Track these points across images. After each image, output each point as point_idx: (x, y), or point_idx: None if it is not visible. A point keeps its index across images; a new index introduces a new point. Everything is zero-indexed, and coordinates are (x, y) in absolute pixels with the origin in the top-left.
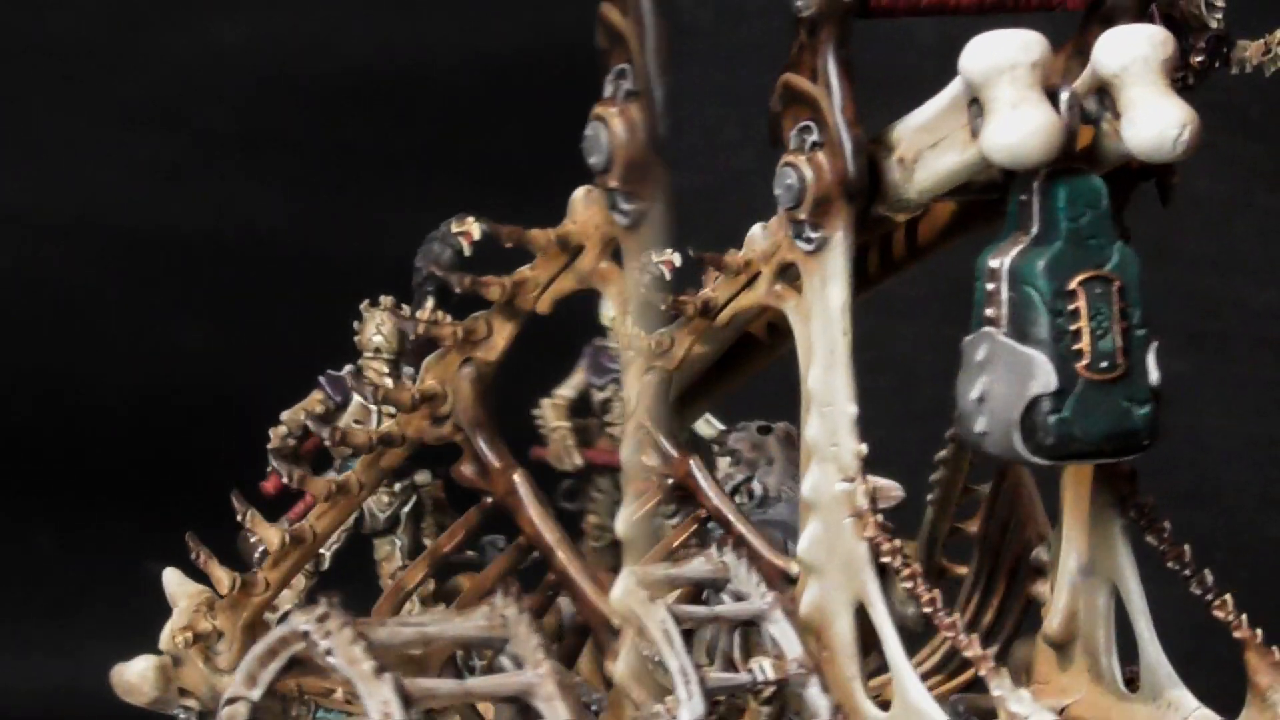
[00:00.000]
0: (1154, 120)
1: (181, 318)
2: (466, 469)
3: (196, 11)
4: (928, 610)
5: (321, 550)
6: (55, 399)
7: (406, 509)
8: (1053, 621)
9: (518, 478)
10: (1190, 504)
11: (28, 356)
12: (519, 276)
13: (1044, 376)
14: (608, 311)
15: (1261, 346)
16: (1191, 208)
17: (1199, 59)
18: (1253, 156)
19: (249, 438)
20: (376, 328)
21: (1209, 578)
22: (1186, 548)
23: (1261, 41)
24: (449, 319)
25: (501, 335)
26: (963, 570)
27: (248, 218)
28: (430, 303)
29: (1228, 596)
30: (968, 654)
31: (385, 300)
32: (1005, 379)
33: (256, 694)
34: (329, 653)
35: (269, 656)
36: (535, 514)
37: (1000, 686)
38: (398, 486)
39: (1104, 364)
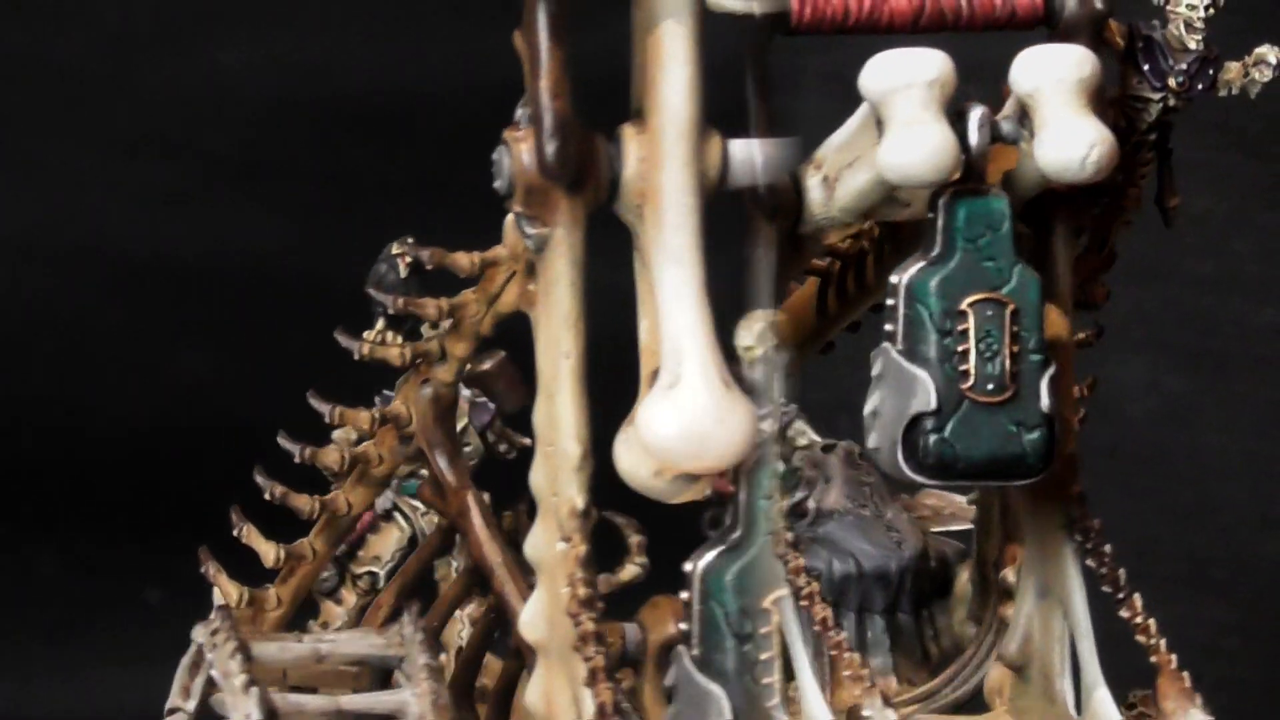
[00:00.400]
0: (1063, 139)
1: (183, 343)
2: (427, 489)
3: (198, 38)
4: (817, 628)
5: (375, 570)
6: (56, 424)
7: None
8: (1010, 644)
9: (470, 498)
10: (1189, 522)
11: (29, 382)
12: (460, 299)
13: (924, 395)
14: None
15: (1261, 365)
16: (1190, 226)
17: (1177, 80)
18: (1251, 175)
19: (250, 463)
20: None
21: (1139, 603)
22: (1122, 572)
23: (1240, 64)
24: (398, 340)
25: (455, 356)
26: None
27: (249, 243)
28: (380, 324)
29: (1152, 621)
30: (847, 673)
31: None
32: (893, 396)
33: (192, 705)
34: (211, 665)
35: (195, 669)
36: (483, 536)
37: (870, 707)
38: None
39: (990, 386)
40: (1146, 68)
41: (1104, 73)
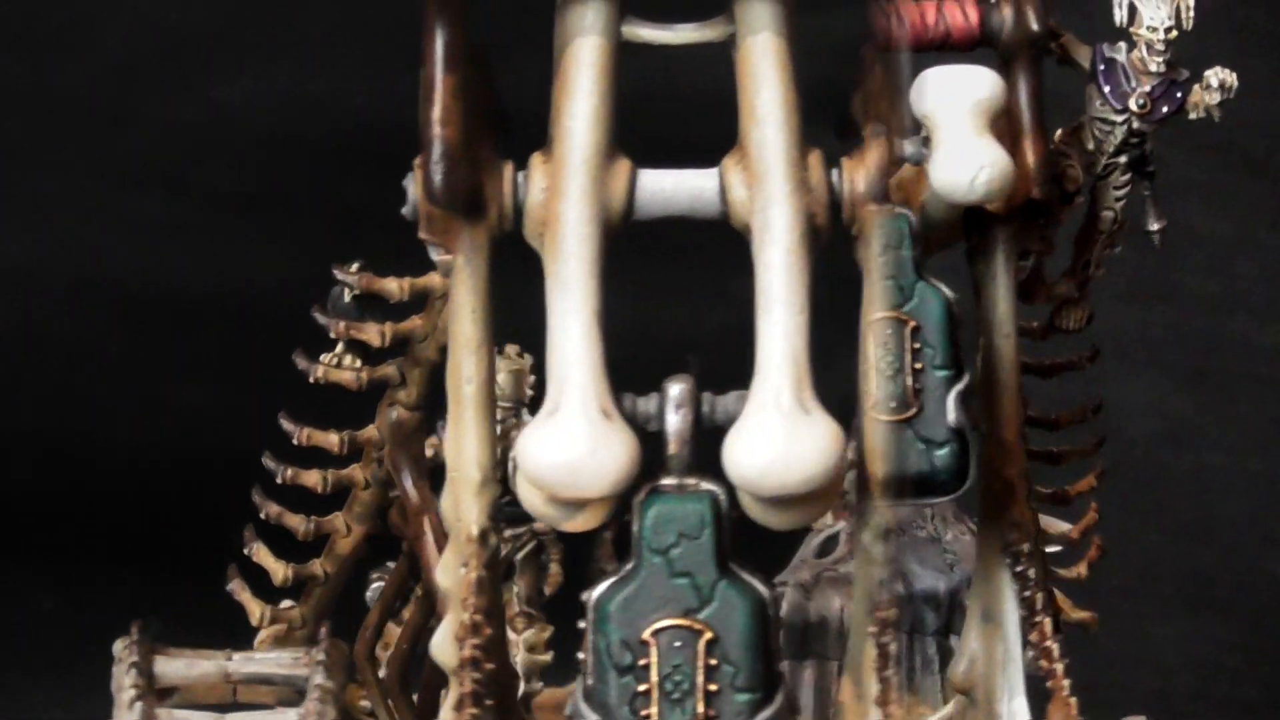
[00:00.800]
0: (953, 161)
1: (184, 375)
2: (394, 512)
3: (199, 71)
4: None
5: None
6: (57, 458)
7: (520, 555)
8: (957, 666)
9: (426, 522)
10: (1192, 541)
11: (29, 415)
12: (406, 325)
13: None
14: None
15: (1263, 385)
16: (1193, 246)
17: (1138, 103)
18: (1254, 195)
19: (250, 497)
20: (501, 376)
21: (1049, 627)
22: (1040, 596)
23: (1197, 86)
24: (357, 363)
25: (413, 381)
26: (1083, 614)
27: (250, 276)
28: (340, 347)
29: (1056, 646)
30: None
31: (510, 349)
32: None
33: (134, 717)
34: (112, 677)
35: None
36: (434, 560)
37: None
38: (509, 533)
39: (893, 404)
40: (1108, 89)
41: (1043, 92)
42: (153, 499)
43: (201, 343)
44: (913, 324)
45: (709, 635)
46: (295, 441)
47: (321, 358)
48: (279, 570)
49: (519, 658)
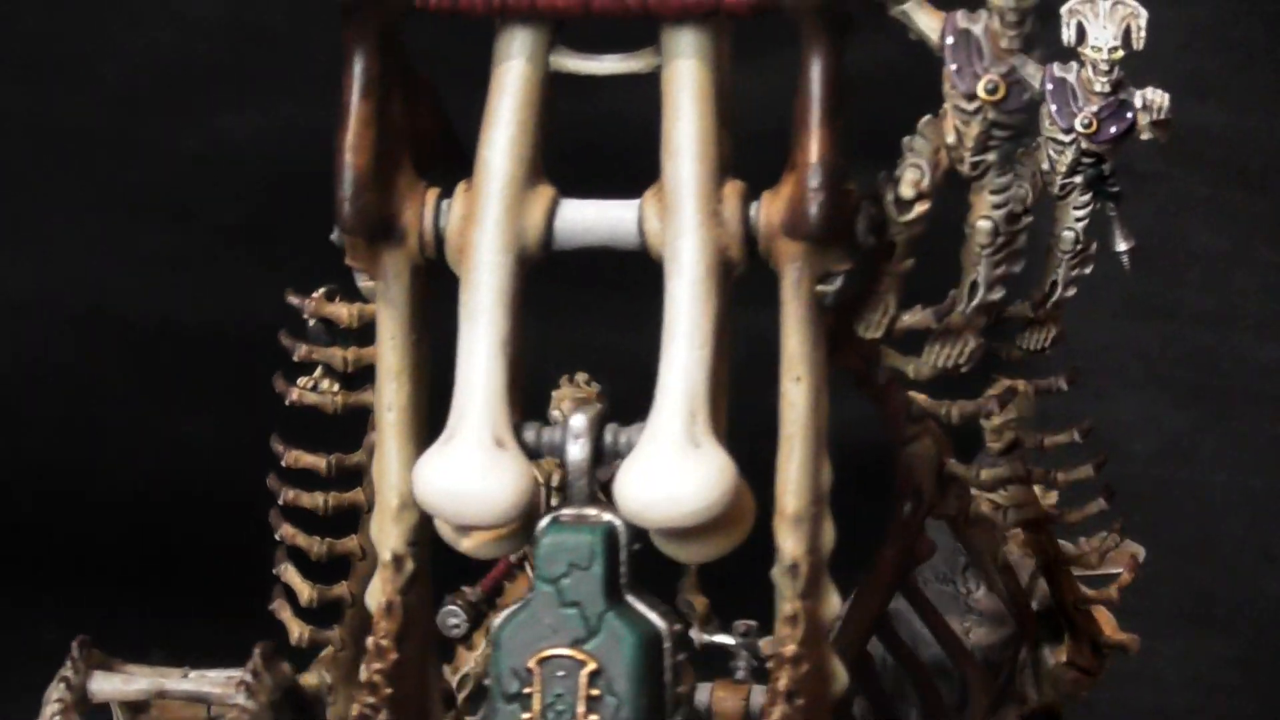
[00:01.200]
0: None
1: (189, 410)
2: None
3: (204, 103)
4: None
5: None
6: (61, 490)
7: None
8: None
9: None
10: (1190, 558)
11: (34, 447)
12: (369, 350)
13: None
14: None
15: (1262, 401)
16: (1192, 262)
17: (1083, 124)
18: (1253, 210)
19: (256, 530)
20: (557, 404)
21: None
22: None
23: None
24: (334, 388)
25: None
26: (1124, 636)
27: (254, 308)
28: (318, 371)
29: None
30: None
31: (579, 377)
32: None
33: None
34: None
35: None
36: None
37: None
38: None
39: None
40: (1055, 109)
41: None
42: (157, 531)
43: (205, 373)
44: (592, 666)
45: (592, 666)
46: (284, 464)
47: (298, 381)
48: (305, 591)
49: None
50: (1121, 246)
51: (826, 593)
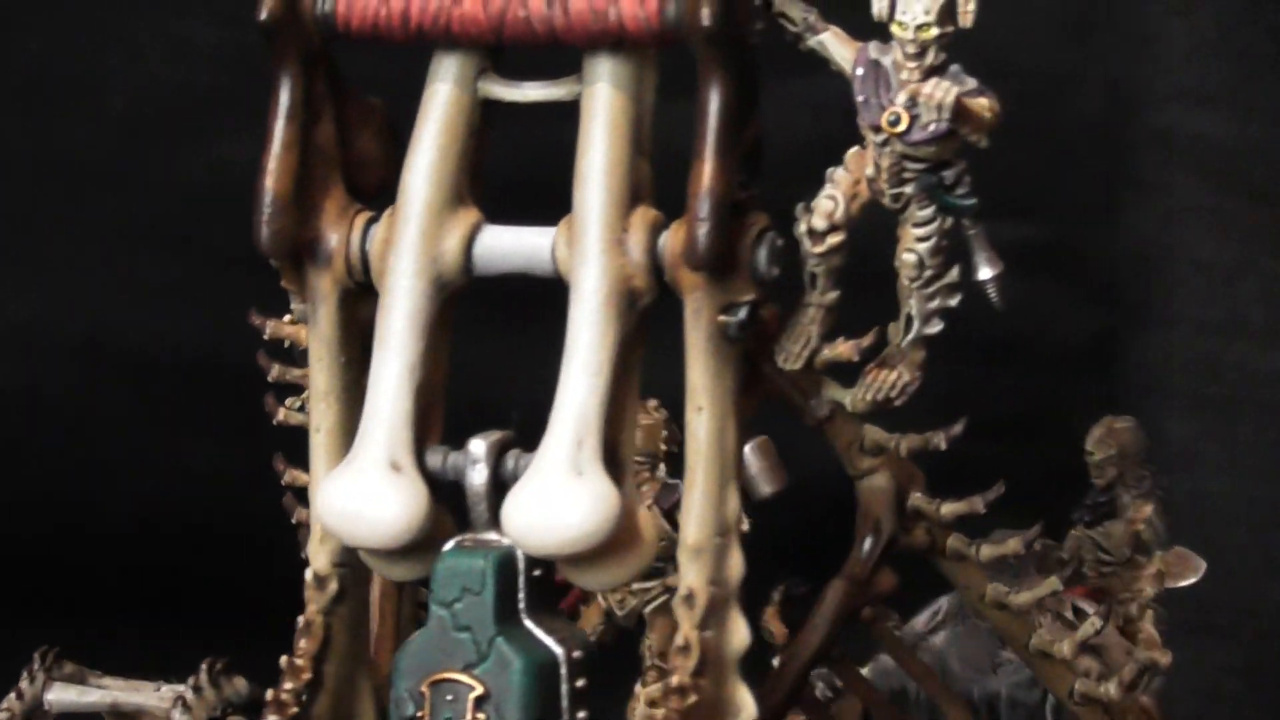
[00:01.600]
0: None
1: (189, 439)
2: None
3: (203, 131)
4: None
5: None
6: (62, 519)
7: (650, 609)
8: None
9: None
10: None
11: (35, 476)
12: None
13: None
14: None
15: (1265, 410)
16: (1195, 272)
17: (890, 120)
18: (1256, 221)
19: (257, 560)
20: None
21: None
22: None
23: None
24: None
25: None
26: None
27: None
28: (306, 393)
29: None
30: None
31: (650, 403)
32: None
33: None
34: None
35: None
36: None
37: None
38: (636, 585)
39: None
40: (861, 100)
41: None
42: (157, 560)
43: (205, 402)
44: (479, 691)
45: (479, 690)
46: (282, 482)
47: (286, 401)
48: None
49: (638, 712)
50: (984, 273)
51: (732, 624)
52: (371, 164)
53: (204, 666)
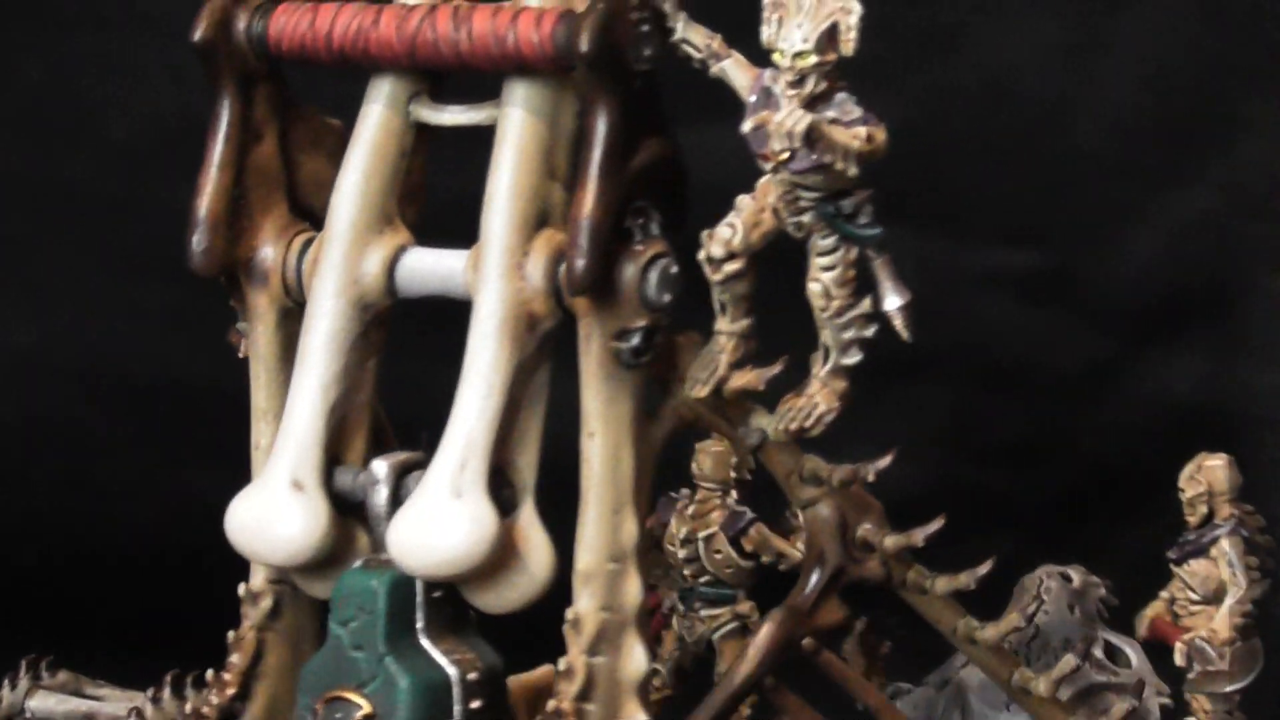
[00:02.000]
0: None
1: (190, 465)
2: None
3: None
4: None
5: (657, 667)
6: (62, 545)
7: (719, 635)
8: None
9: None
10: None
11: (35, 502)
12: None
13: None
14: None
15: (1265, 427)
16: (1193, 287)
17: (776, 147)
18: (1257, 237)
19: None
20: (704, 458)
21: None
22: None
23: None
24: None
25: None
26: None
27: None
28: None
29: None
30: None
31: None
32: None
33: None
34: None
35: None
36: None
37: None
38: (704, 612)
39: None
40: (748, 127)
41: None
42: (159, 586)
43: (208, 430)
44: (367, 709)
45: (367, 709)
46: None
47: None
48: None
49: None
50: (890, 303)
51: (627, 650)
52: (325, 185)
53: (167, 679)
